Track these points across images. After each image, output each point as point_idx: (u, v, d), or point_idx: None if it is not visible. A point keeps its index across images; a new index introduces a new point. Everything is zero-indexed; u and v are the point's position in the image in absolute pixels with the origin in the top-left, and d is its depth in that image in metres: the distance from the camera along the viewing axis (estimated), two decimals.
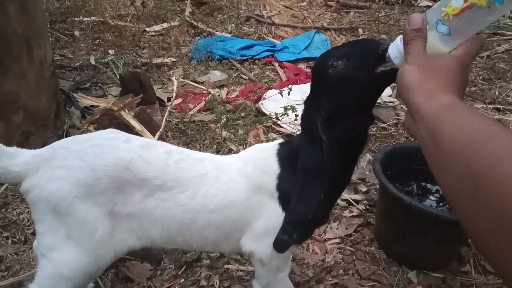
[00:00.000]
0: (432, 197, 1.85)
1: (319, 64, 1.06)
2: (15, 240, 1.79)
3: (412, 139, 2.52)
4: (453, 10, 0.74)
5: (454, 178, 0.60)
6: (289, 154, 1.19)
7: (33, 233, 1.81)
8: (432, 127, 0.66)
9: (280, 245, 1.16)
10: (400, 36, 0.81)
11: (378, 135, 2.60)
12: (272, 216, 1.19)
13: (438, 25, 0.76)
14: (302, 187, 1.11)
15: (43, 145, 1.16)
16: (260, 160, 1.23)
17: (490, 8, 0.70)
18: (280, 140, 1.28)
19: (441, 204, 1.80)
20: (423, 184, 1.91)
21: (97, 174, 1.07)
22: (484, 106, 2.97)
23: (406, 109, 0.77)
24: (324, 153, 1.04)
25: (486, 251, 0.58)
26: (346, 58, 0.98)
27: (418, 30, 0.75)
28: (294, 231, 1.14)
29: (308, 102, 1.12)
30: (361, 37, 4.12)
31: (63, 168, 1.07)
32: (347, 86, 1.00)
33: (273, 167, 1.19)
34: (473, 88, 3.19)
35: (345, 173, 1.17)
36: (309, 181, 1.09)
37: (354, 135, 1.08)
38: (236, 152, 2.24)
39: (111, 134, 1.17)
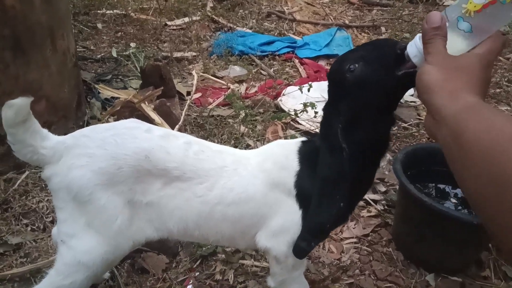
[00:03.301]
0: (452, 200, 1.82)
1: (335, 69, 1.03)
2: (34, 227, 1.81)
3: (434, 140, 2.47)
4: (475, 6, 0.71)
5: (479, 180, 0.58)
6: (311, 153, 1.17)
7: (52, 221, 1.83)
8: (455, 129, 0.64)
9: (299, 252, 1.17)
10: (419, 35, 0.79)
11: (399, 135, 2.56)
12: (289, 213, 1.18)
13: (458, 22, 0.74)
14: (321, 196, 1.10)
15: (64, 135, 1.17)
16: (281, 156, 1.22)
17: None
18: (303, 138, 1.27)
19: (459, 208, 1.77)
20: (443, 186, 1.88)
21: (118, 163, 1.08)
22: (509, 108, 2.90)
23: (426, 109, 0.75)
24: (344, 161, 1.02)
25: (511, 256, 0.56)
26: (363, 61, 0.96)
27: (437, 28, 0.73)
28: (313, 240, 1.15)
29: (326, 109, 1.10)
30: (383, 36, 4.07)
31: (85, 156, 1.07)
32: (367, 89, 0.97)
33: (293, 164, 1.18)
34: (498, 90, 3.12)
35: (366, 178, 1.15)
36: (328, 190, 1.08)
37: (376, 139, 1.06)
38: (254, 148, 2.24)
39: (132, 123, 1.18)
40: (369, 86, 0.97)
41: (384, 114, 1.03)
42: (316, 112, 2.46)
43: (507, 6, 0.69)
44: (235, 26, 4.09)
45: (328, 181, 1.08)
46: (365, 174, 1.12)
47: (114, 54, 3.38)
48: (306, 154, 1.18)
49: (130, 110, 2.21)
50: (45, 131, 1.12)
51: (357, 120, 1.01)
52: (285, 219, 1.19)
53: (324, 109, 1.11)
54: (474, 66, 0.70)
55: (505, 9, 0.69)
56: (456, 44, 0.74)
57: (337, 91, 1.05)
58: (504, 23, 0.73)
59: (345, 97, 1.01)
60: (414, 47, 0.82)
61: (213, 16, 4.27)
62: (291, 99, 2.77)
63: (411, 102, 2.88)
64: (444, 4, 4.85)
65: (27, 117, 1.04)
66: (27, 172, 2.02)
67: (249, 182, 1.18)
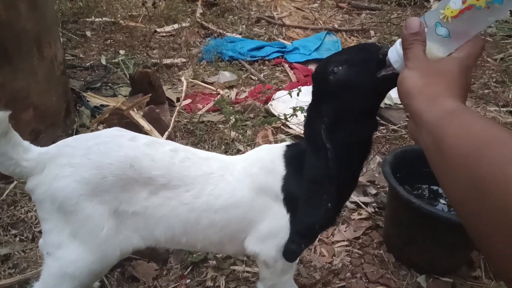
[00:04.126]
0: (442, 201, 1.82)
1: (320, 71, 1.05)
2: (23, 238, 1.80)
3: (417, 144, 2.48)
4: (452, 12, 0.72)
5: (459, 185, 0.59)
6: (296, 156, 1.17)
7: (41, 231, 1.79)
8: (435, 134, 0.65)
9: (289, 254, 1.16)
10: (399, 40, 0.80)
11: (388, 137, 2.57)
12: (277, 218, 1.18)
13: (437, 27, 0.75)
14: (308, 197, 1.11)
15: (52, 143, 1.16)
16: (267, 160, 1.22)
17: (489, 9, 0.69)
18: (288, 142, 1.27)
19: (451, 208, 1.77)
20: (434, 187, 1.88)
21: (103, 172, 1.07)
22: (497, 109, 2.92)
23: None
24: (329, 161, 1.03)
25: (491, 258, 0.57)
26: (346, 64, 0.98)
27: (416, 34, 0.74)
28: (302, 241, 1.15)
29: (310, 110, 1.11)
30: (372, 39, 4.10)
31: (69, 166, 1.06)
32: (349, 91, 0.99)
33: (279, 169, 1.18)
34: (486, 91, 3.14)
35: (351, 179, 1.16)
36: (315, 191, 1.09)
37: (358, 141, 1.07)
38: (244, 153, 2.24)
39: (117, 132, 1.17)
40: (350, 88, 0.98)
41: (366, 116, 1.04)
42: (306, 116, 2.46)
43: (483, 12, 0.70)
44: (224, 32, 4.10)
45: (315, 182, 1.08)
46: (350, 175, 1.13)
47: (103, 62, 3.37)
48: (292, 158, 1.18)
49: (119, 118, 2.20)
50: (26, 143, 1.11)
51: (339, 122, 1.02)
52: (273, 223, 1.18)
53: (308, 110, 1.12)
54: (453, 71, 0.71)
55: (481, 15, 0.70)
56: (435, 49, 0.76)
57: (320, 92, 1.07)
58: (481, 27, 0.74)
59: (328, 99, 1.03)
60: (395, 53, 0.83)
61: (203, 22, 4.28)
62: (281, 103, 2.77)
63: (400, 104, 2.89)
64: (432, 7, 4.89)
65: (6, 129, 1.03)
66: (15, 182, 2.00)
67: (236, 188, 1.18)
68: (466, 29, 0.73)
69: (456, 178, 0.60)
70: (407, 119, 2.75)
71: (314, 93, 1.09)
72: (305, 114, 2.35)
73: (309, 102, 1.11)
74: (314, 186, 1.09)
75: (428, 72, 0.71)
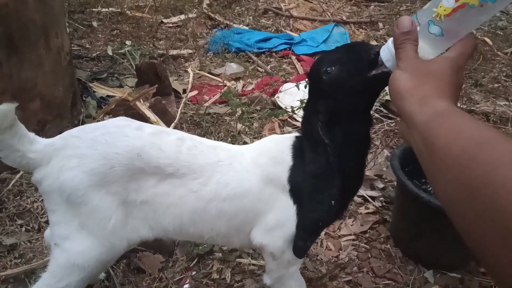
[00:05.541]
0: None
1: (314, 70, 1.07)
2: (29, 228, 1.80)
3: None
4: (445, 10, 0.72)
5: (449, 187, 0.59)
6: (304, 148, 1.17)
7: (47, 222, 1.81)
8: (426, 135, 0.64)
9: (298, 251, 1.18)
10: (391, 39, 0.79)
11: (396, 130, 2.55)
12: (284, 209, 1.18)
13: (429, 26, 0.74)
14: (311, 193, 1.12)
15: (59, 134, 1.16)
16: (275, 151, 1.21)
17: (482, 7, 0.68)
18: (297, 133, 1.26)
19: None
20: None
21: (110, 163, 1.06)
22: (507, 103, 2.88)
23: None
24: (329, 156, 1.05)
25: (483, 259, 0.56)
26: (339, 63, 1.00)
27: (407, 33, 0.73)
28: (308, 237, 1.16)
29: (307, 108, 1.13)
30: (381, 31, 4.05)
31: (75, 157, 1.06)
32: (341, 91, 1.01)
33: (287, 159, 1.18)
34: (496, 85, 3.10)
35: (353, 175, 1.16)
36: (317, 186, 1.10)
37: (354, 138, 1.08)
38: None
39: (122, 122, 1.16)
40: (343, 88, 1.01)
41: (361, 114, 1.06)
42: None
43: (476, 10, 0.69)
44: (231, 23, 4.06)
45: (316, 177, 1.10)
46: (351, 170, 1.12)
47: (110, 52, 3.35)
48: (300, 149, 1.18)
49: (125, 108, 2.20)
50: (32, 134, 1.10)
51: (334, 118, 1.04)
52: (280, 215, 1.18)
53: (305, 108, 1.14)
54: (445, 71, 0.70)
55: (474, 13, 0.70)
56: (427, 48, 0.75)
57: (315, 90, 1.09)
58: (474, 26, 0.74)
59: (322, 97, 1.06)
60: (387, 52, 0.83)
61: (210, 13, 4.24)
62: (288, 96, 2.76)
63: None
64: None
65: (13, 122, 1.02)
66: (21, 172, 2.00)
67: (244, 177, 1.17)
68: (458, 28, 0.72)
69: (446, 180, 0.59)
70: None
71: (310, 90, 1.11)
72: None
73: (306, 99, 1.13)
74: (316, 182, 1.10)
75: (419, 72, 0.71)
